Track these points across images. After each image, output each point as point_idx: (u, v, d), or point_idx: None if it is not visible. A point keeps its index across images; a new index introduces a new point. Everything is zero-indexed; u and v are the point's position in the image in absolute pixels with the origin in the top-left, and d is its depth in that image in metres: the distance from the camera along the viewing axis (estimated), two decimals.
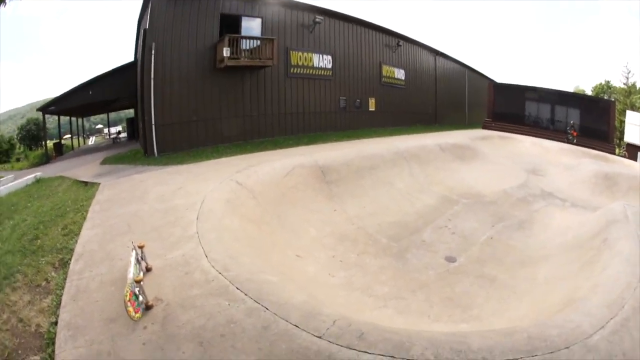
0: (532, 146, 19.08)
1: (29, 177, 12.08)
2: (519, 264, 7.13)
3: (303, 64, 17.13)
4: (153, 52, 12.68)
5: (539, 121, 23.44)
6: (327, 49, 18.21)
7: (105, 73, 19.90)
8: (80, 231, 5.24)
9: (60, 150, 24.33)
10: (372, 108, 21.29)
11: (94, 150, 23.51)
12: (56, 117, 27.16)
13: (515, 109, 24.22)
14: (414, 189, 11.13)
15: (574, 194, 11.77)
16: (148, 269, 4.34)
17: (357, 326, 3.26)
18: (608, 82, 35.14)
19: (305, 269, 6.57)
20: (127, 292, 3.37)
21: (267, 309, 3.48)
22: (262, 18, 15.52)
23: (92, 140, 46.28)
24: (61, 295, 3.92)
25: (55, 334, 3.45)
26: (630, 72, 32.45)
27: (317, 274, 6.44)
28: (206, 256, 4.99)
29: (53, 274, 4.29)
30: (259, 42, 14.88)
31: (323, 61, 18.07)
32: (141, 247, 4.24)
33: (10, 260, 4.41)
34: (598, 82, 35.42)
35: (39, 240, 5.09)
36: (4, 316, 3.56)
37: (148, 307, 3.61)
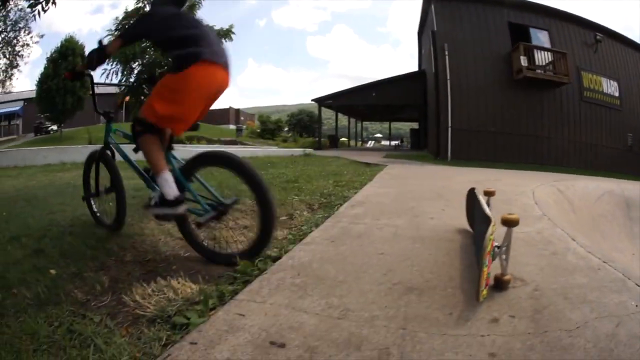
0: None
1: (298, 150, 14.14)
2: None
3: (594, 87, 14.19)
4: (446, 52, 12.44)
5: None
6: (613, 73, 14.51)
7: (391, 78, 19.46)
8: (361, 188, 4.66)
9: (335, 143, 24.58)
10: None
11: (373, 150, 22.55)
12: (332, 113, 26.42)
13: None
14: None
15: None
16: None
17: None
18: None
19: None
20: (488, 244, 1.56)
21: None
22: (548, 31, 13.49)
23: (370, 144, 47.10)
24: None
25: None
26: None
27: None
28: (573, 240, 2.96)
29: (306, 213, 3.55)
30: (550, 56, 13.11)
31: (610, 87, 14.49)
32: (491, 195, 2.73)
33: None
34: None
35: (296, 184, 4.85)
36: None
37: (499, 283, 1.86)
